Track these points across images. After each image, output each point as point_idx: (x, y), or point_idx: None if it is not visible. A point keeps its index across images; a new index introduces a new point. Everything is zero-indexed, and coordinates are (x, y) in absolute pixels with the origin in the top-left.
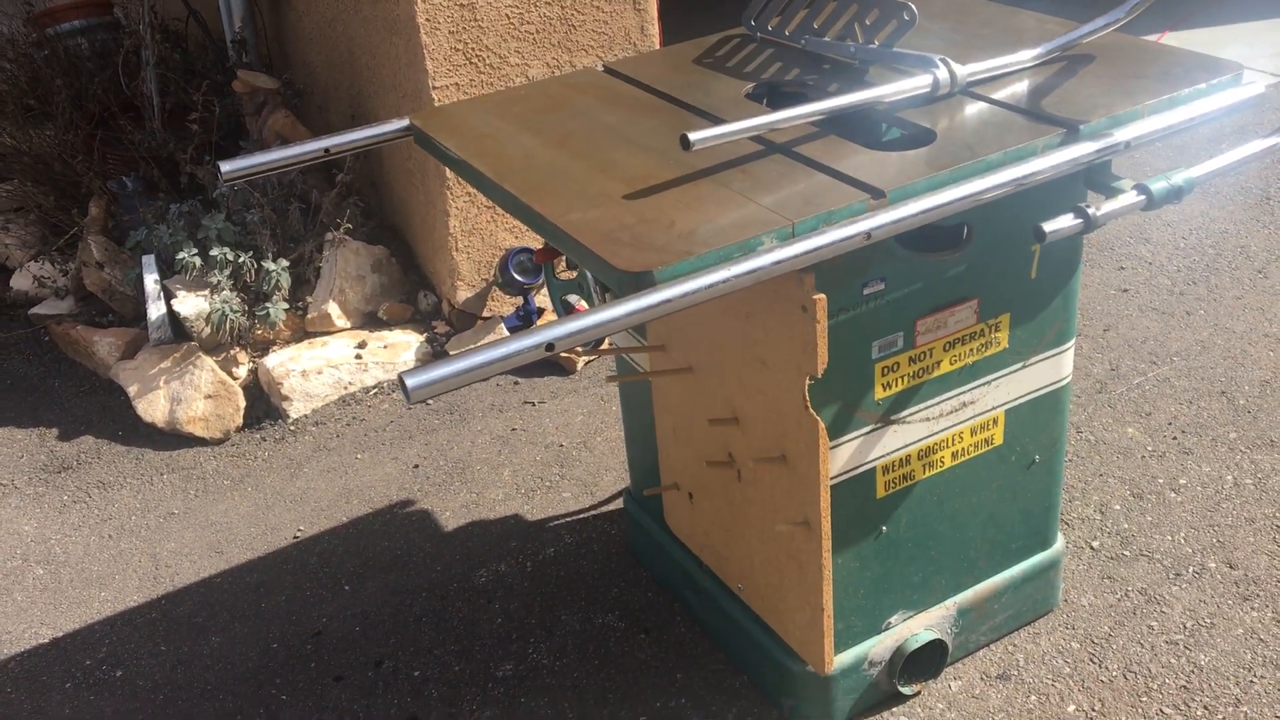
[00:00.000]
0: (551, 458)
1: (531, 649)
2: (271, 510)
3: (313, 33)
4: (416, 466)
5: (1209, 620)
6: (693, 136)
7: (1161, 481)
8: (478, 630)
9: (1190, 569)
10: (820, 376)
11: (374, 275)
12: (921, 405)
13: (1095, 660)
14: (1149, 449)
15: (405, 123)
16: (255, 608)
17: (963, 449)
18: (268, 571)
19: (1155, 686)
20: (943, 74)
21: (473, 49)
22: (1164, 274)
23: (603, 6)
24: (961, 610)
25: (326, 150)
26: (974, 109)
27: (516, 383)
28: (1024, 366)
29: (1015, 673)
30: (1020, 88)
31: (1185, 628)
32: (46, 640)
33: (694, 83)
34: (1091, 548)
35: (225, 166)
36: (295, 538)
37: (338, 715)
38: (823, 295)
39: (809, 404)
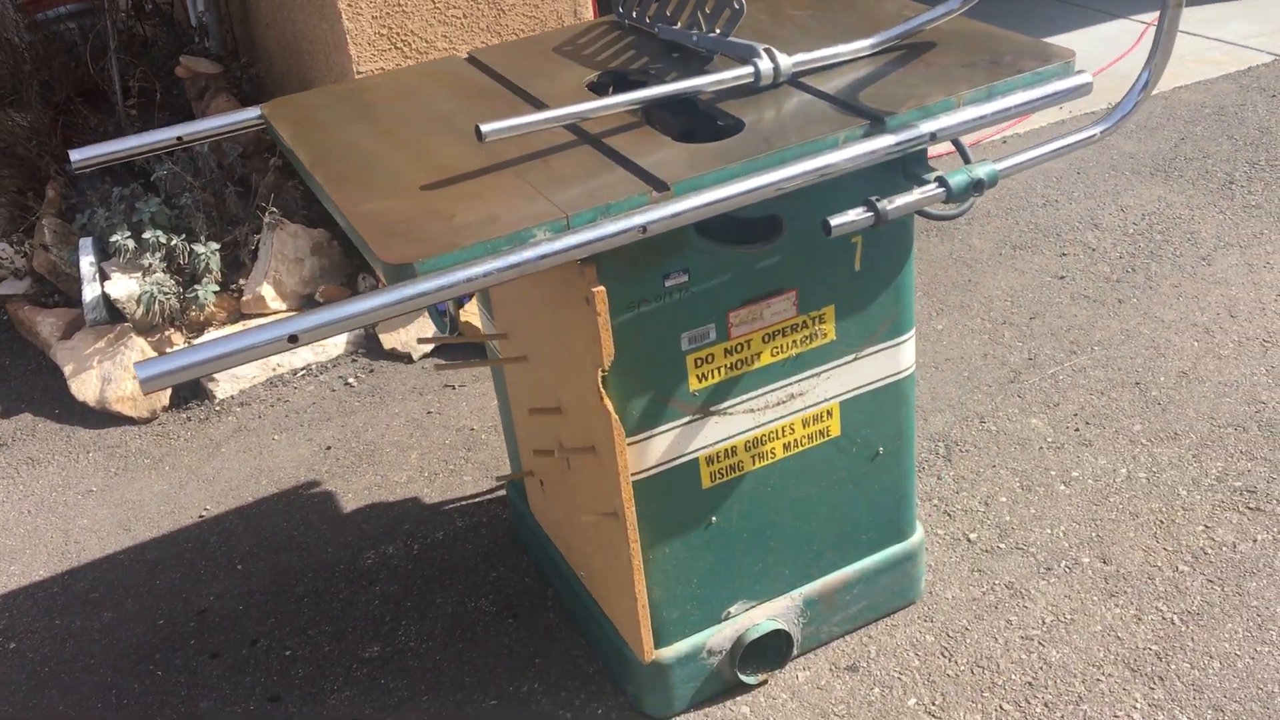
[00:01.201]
0: (460, 441)
1: (401, 631)
2: (184, 489)
3: (268, 18)
4: (329, 448)
5: (1069, 616)
6: (484, 128)
7: (1054, 474)
8: (354, 612)
9: (1062, 563)
10: (608, 369)
11: (313, 258)
12: (743, 397)
13: (946, 654)
14: (1049, 440)
15: (257, 112)
16: (150, 584)
17: (795, 440)
18: (168, 549)
19: (1000, 682)
20: (765, 65)
21: (397, 34)
22: (1105, 260)
23: None
24: (808, 601)
25: (179, 139)
26: (793, 100)
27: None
28: (856, 359)
29: (864, 664)
30: (846, 78)
31: (1044, 623)
32: None
33: (544, 71)
34: (969, 540)
35: (75, 155)
36: (200, 517)
37: (206, 692)
38: (602, 288)
39: (604, 395)
